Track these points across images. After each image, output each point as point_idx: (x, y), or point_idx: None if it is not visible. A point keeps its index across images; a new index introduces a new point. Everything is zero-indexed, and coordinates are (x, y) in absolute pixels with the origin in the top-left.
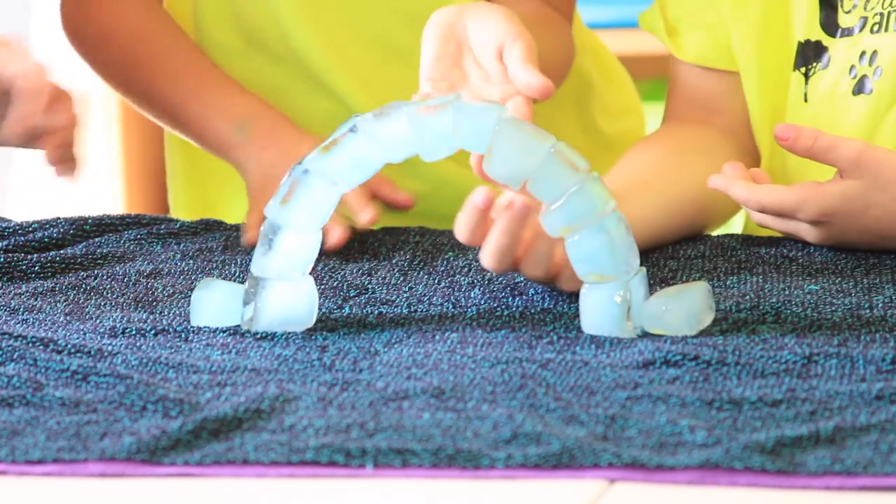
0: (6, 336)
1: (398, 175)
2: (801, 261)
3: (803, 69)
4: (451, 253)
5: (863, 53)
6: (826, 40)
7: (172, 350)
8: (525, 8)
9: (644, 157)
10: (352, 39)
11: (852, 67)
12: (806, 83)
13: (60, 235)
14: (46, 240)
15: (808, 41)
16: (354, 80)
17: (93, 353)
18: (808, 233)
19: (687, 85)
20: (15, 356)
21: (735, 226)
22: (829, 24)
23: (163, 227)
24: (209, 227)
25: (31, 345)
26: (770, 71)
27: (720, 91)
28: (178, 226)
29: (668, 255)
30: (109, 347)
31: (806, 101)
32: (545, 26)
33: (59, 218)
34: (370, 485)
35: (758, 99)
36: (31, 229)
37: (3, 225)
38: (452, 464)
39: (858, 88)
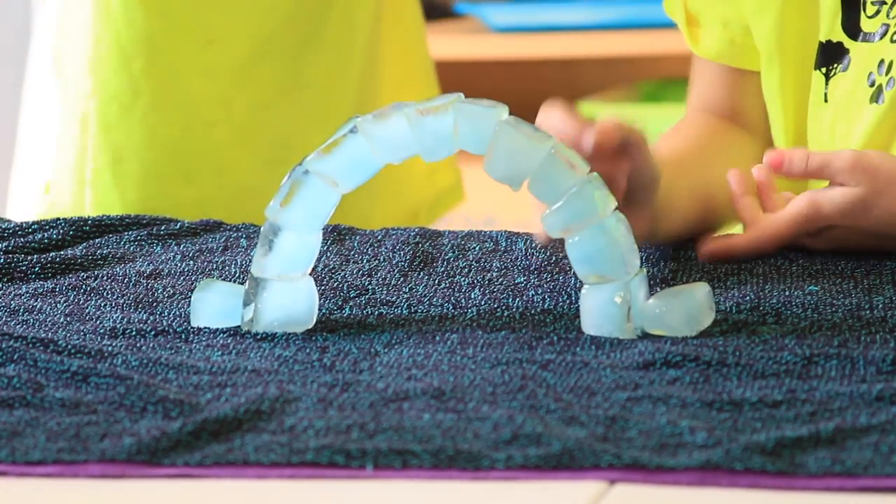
0: (6, 337)
1: None
2: (801, 262)
3: (824, 69)
4: (451, 254)
5: (881, 62)
6: (847, 42)
7: (172, 351)
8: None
9: (672, 146)
10: None
11: (870, 75)
12: (826, 84)
13: (60, 236)
14: (46, 241)
15: (829, 41)
16: None
17: (93, 353)
18: (809, 241)
19: (705, 79)
20: (15, 357)
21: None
22: (851, 27)
23: (163, 227)
24: (209, 227)
25: (31, 346)
26: (791, 70)
27: (736, 90)
28: (177, 227)
29: (669, 255)
30: (109, 348)
31: (826, 101)
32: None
33: (58, 219)
34: (370, 486)
35: (779, 97)
36: (30, 230)
37: (4, 226)
38: (453, 465)
39: (875, 97)
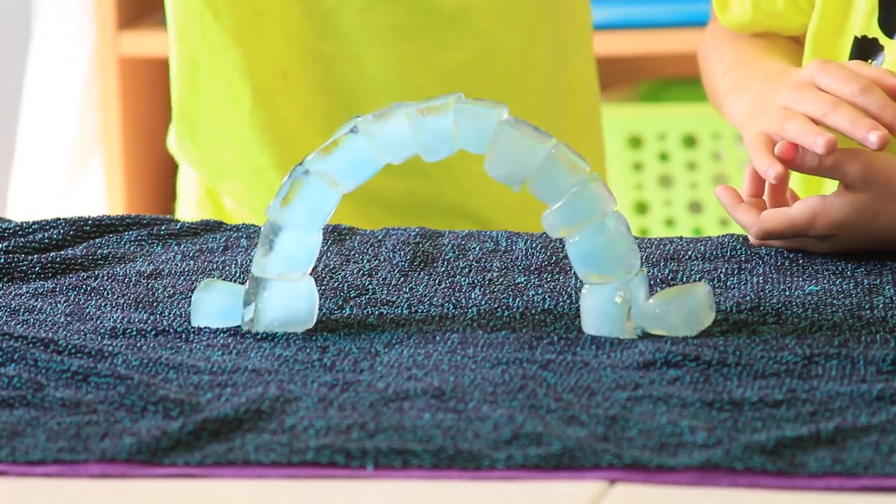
0: (7, 337)
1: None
2: (801, 262)
3: None
4: (451, 254)
5: None
6: (883, 39)
7: (173, 351)
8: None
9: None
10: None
11: None
12: None
13: (61, 236)
14: (47, 241)
15: (864, 37)
16: None
17: (93, 353)
18: (814, 246)
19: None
20: (15, 357)
21: (736, 226)
22: (888, 24)
23: (163, 227)
24: (209, 227)
25: (31, 345)
26: None
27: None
28: (178, 226)
29: (669, 255)
30: (110, 348)
31: None
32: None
33: (59, 219)
34: (370, 485)
35: None
36: (31, 230)
37: (4, 226)
38: (453, 464)
39: None
